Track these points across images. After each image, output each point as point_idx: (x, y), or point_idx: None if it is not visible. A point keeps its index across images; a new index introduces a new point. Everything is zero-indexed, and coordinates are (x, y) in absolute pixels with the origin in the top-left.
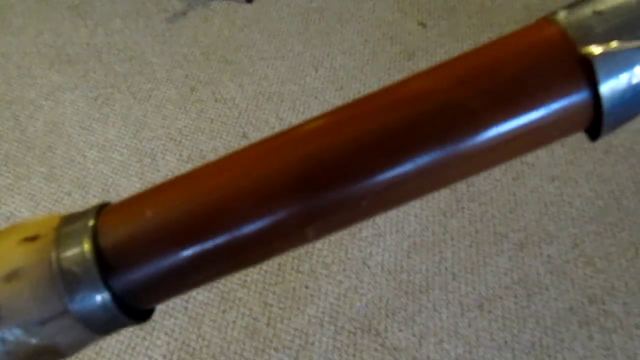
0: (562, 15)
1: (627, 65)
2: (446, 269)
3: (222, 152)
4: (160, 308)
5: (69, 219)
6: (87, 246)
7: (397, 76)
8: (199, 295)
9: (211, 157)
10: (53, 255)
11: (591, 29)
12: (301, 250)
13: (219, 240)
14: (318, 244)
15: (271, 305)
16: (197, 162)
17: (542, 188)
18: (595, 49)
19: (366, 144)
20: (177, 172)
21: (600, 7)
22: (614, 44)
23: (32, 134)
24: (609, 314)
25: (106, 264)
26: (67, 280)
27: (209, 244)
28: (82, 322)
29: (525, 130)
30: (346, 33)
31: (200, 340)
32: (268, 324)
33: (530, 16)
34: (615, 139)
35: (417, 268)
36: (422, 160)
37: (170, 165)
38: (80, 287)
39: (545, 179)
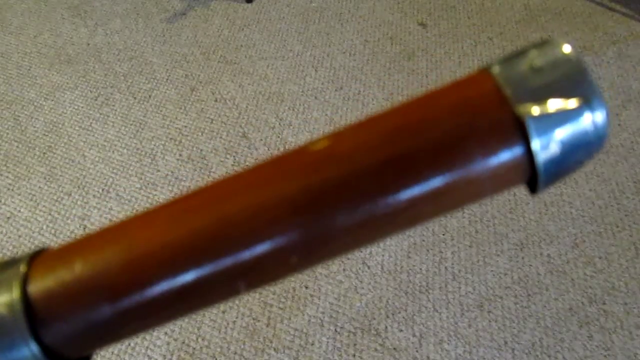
0: (497, 70)
1: (560, 123)
2: (446, 269)
3: (222, 152)
4: None
5: (1, 265)
6: (15, 294)
7: (397, 76)
8: None
9: (211, 157)
10: None
11: (527, 85)
12: None
13: (146, 294)
14: None
15: (271, 305)
16: (197, 162)
17: None
18: (529, 109)
19: (298, 203)
20: (176, 172)
21: (538, 62)
22: (549, 104)
23: (32, 134)
24: (609, 314)
25: (35, 313)
26: None
27: (135, 299)
28: None
29: (456, 186)
30: (346, 33)
31: (200, 340)
32: (268, 324)
33: (531, 16)
34: (615, 139)
35: (417, 268)
36: (355, 216)
37: (170, 165)
38: (8, 338)
39: None
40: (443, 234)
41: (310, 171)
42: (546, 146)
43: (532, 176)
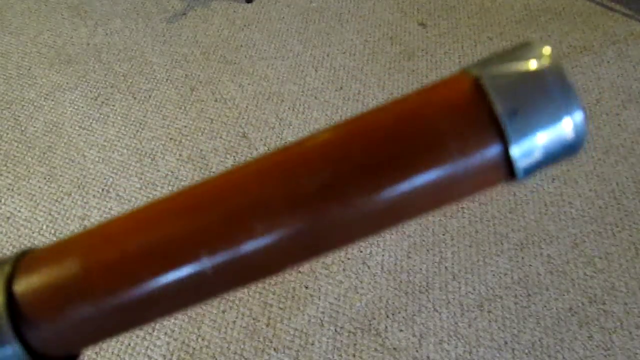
0: (479, 72)
1: (540, 128)
2: (446, 269)
3: (222, 152)
4: None
5: None
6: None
7: (397, 76)
8: None
9: (211, 157)
10: None
11: (507, 88)
12: None
13: (124, 295)
14: None
15: (271, 305)
16: (197, 162)
17: (542, 188)
18: (509, 111)
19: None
20: (176, 172)
21: (516, 64)
22: (529, 107)
23: (32, 134)
24: (609, 314)
25: (19, 314)
26: None
27: (116, 298)
28: None
29: (447, 182)
30: (346, 33)
31: (200, 340)
32: (268, 324)
33: (531, 16)
34: (615, 139)
35: (417, 268)
36: (357, 208)
37: (170, 165)
38: None
39: (545, 179)
40: (443, 234)
41: (308, 167)
42: (526, 153)
43: (512, 174)
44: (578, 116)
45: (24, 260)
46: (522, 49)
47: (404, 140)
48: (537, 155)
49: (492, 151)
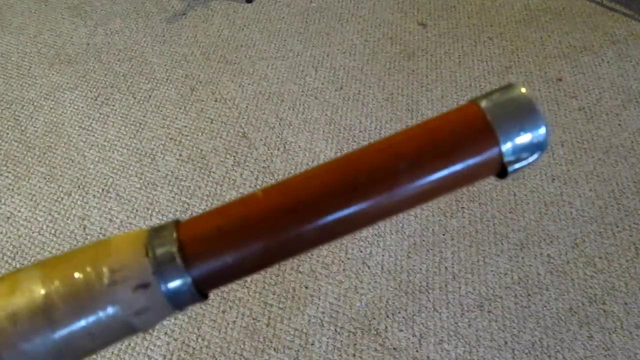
0: (482, 103)
1: (519, 136)
2: (446, 269)
3: (222, 152)
4: None
5: (155, 231)
6: (175, 247)
7: (397, 76)
8: None
9: (211, 157)
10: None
11: (500, 114)
12: None
13: (260, 246)
14: None
15: (271, 305)
16: (197, 162)
17: (542, 188)
18: (501, 132)
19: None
20: (176, 172)
21: (503, 98)
22: (512, 128)
23: (32, 134)
24: (609, 314)
25: (187, 260)
26: (164, 279)
27: (253, 248)
28: (170, 302)
29: (454, 176)
30: (346, 33)
31: (200, 340)
32: (268, 324)
33: (531, 16)
34: (615, 139)
35: (417, 268)
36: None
37: (170, 165)
38: (170, 274)
39: (545, 179)
40: (443, 234)
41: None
42: (511, 151)
43: (500, 171)
44: (542, 129)
45: (180, 224)
46: (509, 88)
47: (442, 145)
48: (518, 151)
49: (491, 151)
